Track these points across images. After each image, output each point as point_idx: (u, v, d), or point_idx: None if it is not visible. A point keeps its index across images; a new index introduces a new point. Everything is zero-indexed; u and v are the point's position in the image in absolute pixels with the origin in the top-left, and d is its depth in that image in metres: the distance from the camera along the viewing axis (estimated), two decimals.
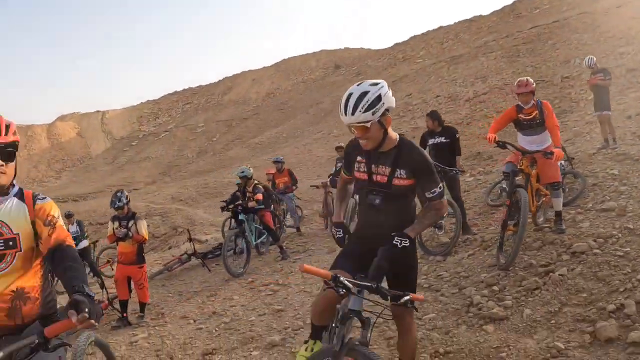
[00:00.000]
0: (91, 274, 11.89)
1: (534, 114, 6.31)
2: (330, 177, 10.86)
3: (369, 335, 2.73)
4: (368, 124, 2.89)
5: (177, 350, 5.65)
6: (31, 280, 2.42)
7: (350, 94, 2.92)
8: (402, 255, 2.90)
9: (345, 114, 2.91)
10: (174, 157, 47.94)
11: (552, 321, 4.39)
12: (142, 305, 7.62)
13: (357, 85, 2.97)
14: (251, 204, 9.61)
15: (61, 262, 2.28)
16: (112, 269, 12.66)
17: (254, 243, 9.67)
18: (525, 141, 6.47)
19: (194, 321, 6.67)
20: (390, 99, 2.94)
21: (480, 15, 45.11)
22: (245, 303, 7.06)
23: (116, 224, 7.61)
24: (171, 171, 44.04)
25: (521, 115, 6.39)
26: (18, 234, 2.36)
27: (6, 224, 2.35)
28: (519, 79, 6.52)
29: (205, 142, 49.54)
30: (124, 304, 7.51)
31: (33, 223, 2.41)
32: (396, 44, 53.08)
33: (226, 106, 56.27)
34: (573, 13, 28.89)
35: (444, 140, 7.81)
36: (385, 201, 3.05)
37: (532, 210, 6.20)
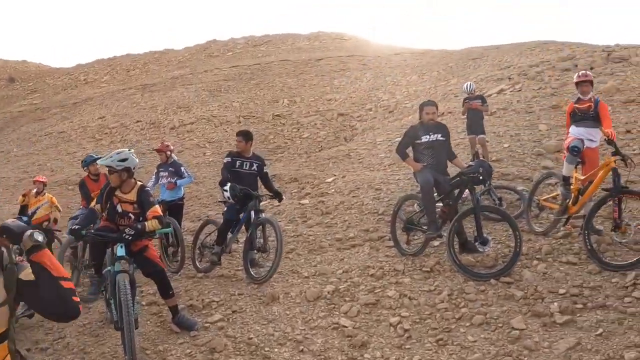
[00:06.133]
0: None
1: (587, 105, 6.60)
2: None
3: None
4: None
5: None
6: None
7: None
8: None
9: None
10: None
11: None
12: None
13: None
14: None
15: None
16: None
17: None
18: (577, 132, 6.73)
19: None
20: None
21: (172, 49, 45.60)
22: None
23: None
24: None
25: (577, 106, 6.72)
26: None
27: None
28: (580, 72, 6.90)
29: None
30: None
31: None
32: (79, 65, 49.56)
33: None
34: (274, 59, 31.76)
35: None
36: None
37: None
